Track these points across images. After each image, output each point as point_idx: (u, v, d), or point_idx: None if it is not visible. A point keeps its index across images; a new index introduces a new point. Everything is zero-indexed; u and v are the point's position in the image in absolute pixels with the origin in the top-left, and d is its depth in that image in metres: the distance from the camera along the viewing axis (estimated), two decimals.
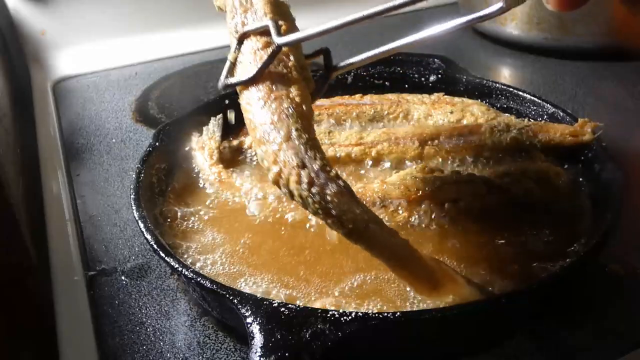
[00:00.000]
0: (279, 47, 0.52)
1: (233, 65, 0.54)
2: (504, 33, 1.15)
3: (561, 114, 0.72)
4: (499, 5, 0.45)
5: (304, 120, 0.48)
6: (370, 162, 0.70)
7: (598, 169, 0.63)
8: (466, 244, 0.58)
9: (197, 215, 0.64)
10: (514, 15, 1.11)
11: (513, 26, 1.13)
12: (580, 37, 1.04)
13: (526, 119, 0.75)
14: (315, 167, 0.44)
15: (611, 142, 0.65)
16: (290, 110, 0.48)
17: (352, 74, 0.86)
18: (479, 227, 0.60)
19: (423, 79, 0.86)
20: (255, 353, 0.40)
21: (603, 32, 1.02)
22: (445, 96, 0.81)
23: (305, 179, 0.44)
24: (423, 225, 0.60)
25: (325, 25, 0.52)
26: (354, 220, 0.43)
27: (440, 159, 0.69)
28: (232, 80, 0.52)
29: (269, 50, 0.51)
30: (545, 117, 0.74)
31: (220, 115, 0.77)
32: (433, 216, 0.60)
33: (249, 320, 0.43)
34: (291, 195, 0.45)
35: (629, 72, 1.00)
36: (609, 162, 0.61)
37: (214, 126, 0.76)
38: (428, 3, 1.56)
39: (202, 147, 0.73)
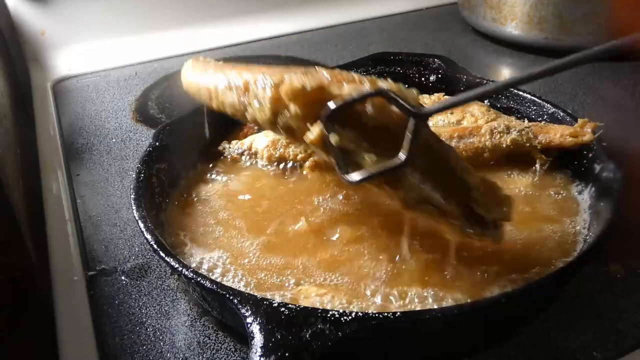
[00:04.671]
0: (421, 119, 0.45)
1: (343, 150, 0.47)
2: (504, 33, 1.15)
3: (561, 114, 0.72)
4: None
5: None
6: None
7: (598, 169, 0.63)
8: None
9: (197, 214, 0.64)
10: (514, 15, 1.12)
11: (513, 26, 1.13)
12: (580, 37, 1.04)
13: (526, 120, 0.76)
14: None
15: (611, 142, 0.65)
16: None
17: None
18: None
19: (423, 79, 0.86)
20: (255, 353, 0.40)
21: (603, 32, 1.02)
22: (446, 97, 0.81)
23: None
24: None
25: (465, 94, 0.47)
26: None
27: None
28: (374, 169, 0.46)
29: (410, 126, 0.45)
30: (545, 117, 0.74)
31: None
32: None
33: (249, 320, 0.43)
34: None
35: (629, 72, 1.00)
36: (609, 162, 0.61)
37: None
38: (428, 3, 1.57)
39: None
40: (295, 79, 0.49)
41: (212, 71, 0.61)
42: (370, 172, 0.46)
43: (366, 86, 0.48)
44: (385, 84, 0.48)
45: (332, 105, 0.47)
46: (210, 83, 0.60)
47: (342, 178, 0.48)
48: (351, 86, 0.48)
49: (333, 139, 0.47)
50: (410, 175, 0.47)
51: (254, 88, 0.52)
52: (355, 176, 0.47)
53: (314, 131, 0.48)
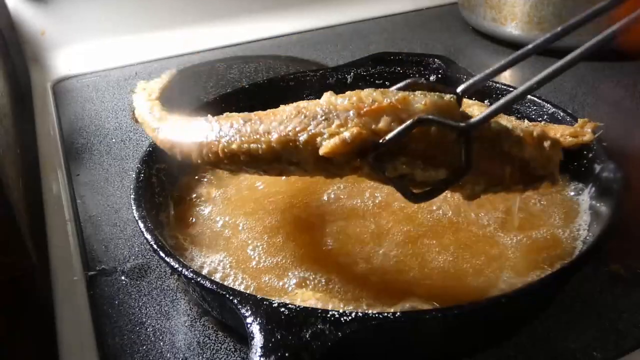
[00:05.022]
0: (470, 133, 0.45)
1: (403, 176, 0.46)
2: (504, 33, 1.15)
3: (561, 114, 0.72)
4: None
5: None
6: None
7: (598, 169, 0.63)
8: (463, 239, 0.58)
9: (198, 214, 0.64)
10: (514, 15, 1.12)
11: (513, 26, 1.13)
12: (580, 37, 1.04)
13: (526, 120, 0.76)
14: None
15: (611, 142, 0.65)
16: None
17: (352, 73, 0.86)
18: (478, 229, 0.60)
19: (423, 79, 0.86)
20: (255, 353, 0.40)
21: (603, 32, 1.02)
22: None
23: None
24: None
25: (506, 97, 0.47)
26: None
27: None
28: (439, 185, 0.45)
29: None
30: (546, 117, 0.74)
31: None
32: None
33: (249, 320, 0.43)
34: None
35: (629, 72, 1.00)
36: (609, 162, 0.61)
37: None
38: (428, 3, 1.57)
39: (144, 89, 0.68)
40: (333, 138, 0.45)
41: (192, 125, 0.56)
42: (436, 189, 0.46)
43: (403, 115, 0.45)
44: (419, 100, 0.45)
45: (375, 148, 0.45)
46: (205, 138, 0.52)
47: (409, 200, 0.47)
48: (388, 119, 0.45)
49: (387, 173, 0.46)
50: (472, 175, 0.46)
51: (288, 155, 0.47)
52: (422, 197, 0.46)
53: (364, 171, 0.46)
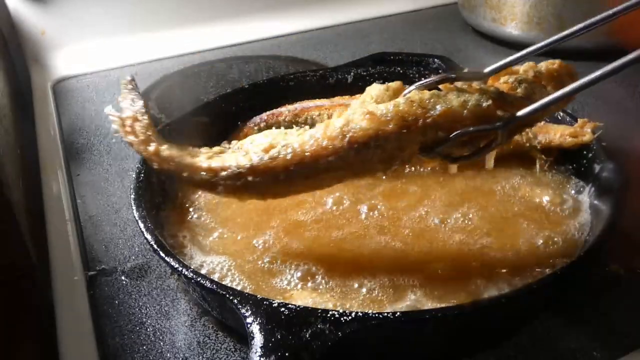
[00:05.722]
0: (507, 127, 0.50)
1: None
2: (504, 33, 1.15)
3: (561, 114, 0.72)
4: None
5: None
6: None
7: (598, 169, 0.63)
8: (458, 247, 0.58)
9: (197, 214, 0.64)
10: (514, 15, 1.12)
11: (513, 26, 1.13)
12: (580, 37, 1.04)
13: None
14: None
15: (611, 142, 0.65)
16: None
17: (352, 73, 0.86)
18: (478, 230, 0.60)
19: (423, 79, 0.86)
20: (255, 353, 0.40)
21: (603, 32, 1.02)
22: None
23: None
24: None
25: (549, 97, 0.51)
26: None
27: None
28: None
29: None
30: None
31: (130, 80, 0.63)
32: None
33: (249, 320, 0.43)
34: None
35: (629, 72, 1.00)
36: (609, 162, 0.61)
37: (131, 101, 0.60)
38: (428, 3, 1.57)
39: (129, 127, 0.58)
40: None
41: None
42: (474, 154, 0.51)
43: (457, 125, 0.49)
44: (456, 101, 0.49)
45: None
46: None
47: (450, 162, 0.52)
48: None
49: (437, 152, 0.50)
50: None
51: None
52: (463, 158, 0.51)
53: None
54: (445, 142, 0.49)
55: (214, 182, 0.52)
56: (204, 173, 0.52)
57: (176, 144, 0.56)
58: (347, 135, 0.48)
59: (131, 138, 0.57)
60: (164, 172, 0.56)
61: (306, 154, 0.49)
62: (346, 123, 0.49)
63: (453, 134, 0.48)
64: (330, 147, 0.49)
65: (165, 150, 0.55)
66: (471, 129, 0.48)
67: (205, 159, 0.53)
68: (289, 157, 0.50)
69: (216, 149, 0.56)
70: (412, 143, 0.49)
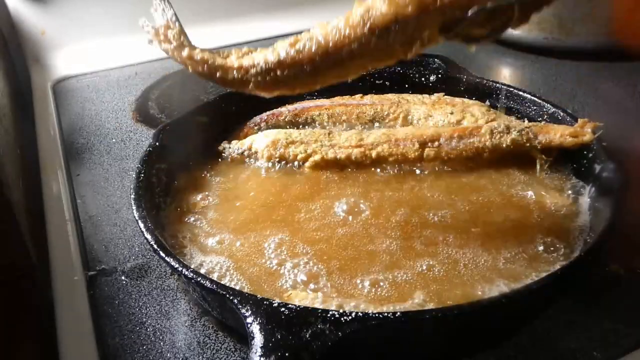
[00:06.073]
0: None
1: None
2: (504, 33, 1.15)
3: (561, 114, 0.72)
4: None
5: None
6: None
7: (598, 169, 0.63)
8: (462, 240, 0.58)
9: (197, 214, 0.64)
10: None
11: None
12: (580, 37, 1.04)
13: (526, 120, 0.76)
14: None
15: (611, 142, 0.65)
16: None
17: None
18: (479, 230, 0.60)
19: (423, 79, 0.86)
20: (255, 353, 0.40)
21: (603, 32, 1.02)
22: (446, 97, 0.81)
23: None
24: None
25: None
26: None
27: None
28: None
29: None
30: (546, 117, 0.74)
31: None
32: None
33: (249, 320, 0.43)
34: None
35: (629, 72, 1.00)
36: (609, 162, 0.61)
37: (162, 11, 0.68)
38: None
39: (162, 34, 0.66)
40: None
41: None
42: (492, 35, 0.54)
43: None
44: None
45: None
46: None
47: (470, 44, 0.56)
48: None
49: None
50: None
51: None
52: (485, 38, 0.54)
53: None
54: (464, 21, 0.50)
55: (245, 80, 0.55)
56: (235, 72, 0.56)
57: (207, 49, 0.61)
58: (368, 22, 0.49)
59: (166, 46, 0.63)
60: (199, 75, 0.60)
61: (330, 44, 0.51)
62: (366, 10, 0.50)
63: (471, 11, 0.49)
64: (353, 35, 0.50)
65: (199, 53, 0.60)
66: (488, 4, 0.49)
67: (235, 58, 0.57)
68: (314, 48, 0.52)
69: (245, 49, 0.59)
70: (431, 24, 0.50)
